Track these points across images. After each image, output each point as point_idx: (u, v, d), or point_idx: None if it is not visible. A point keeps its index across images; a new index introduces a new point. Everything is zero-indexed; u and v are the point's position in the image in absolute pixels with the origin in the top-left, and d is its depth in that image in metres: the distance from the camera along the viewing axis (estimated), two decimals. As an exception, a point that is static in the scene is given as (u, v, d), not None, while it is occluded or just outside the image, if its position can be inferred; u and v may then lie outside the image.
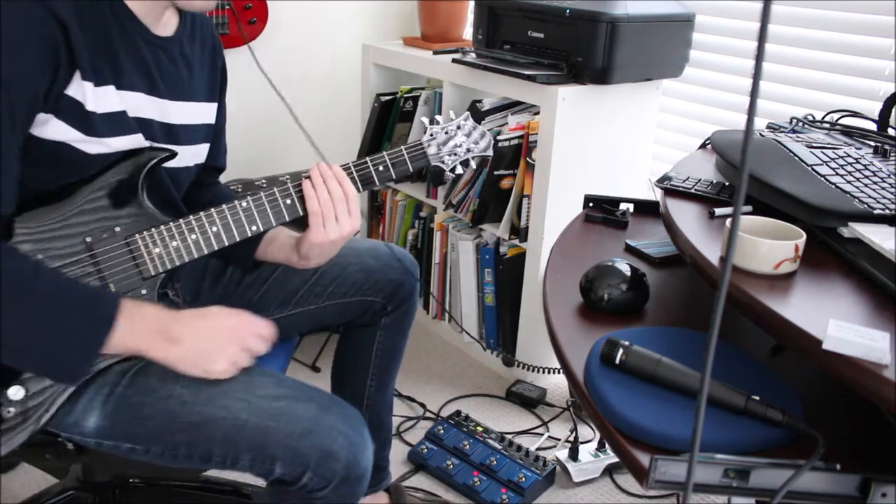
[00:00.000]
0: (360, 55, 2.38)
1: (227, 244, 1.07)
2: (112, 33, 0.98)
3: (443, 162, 1.22)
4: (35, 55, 0.89)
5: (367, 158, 1.14)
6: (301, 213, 1.10)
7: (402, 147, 1.17)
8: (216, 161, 1.28)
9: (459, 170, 1.24)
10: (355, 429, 1.04)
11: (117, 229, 1.01)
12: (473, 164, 1.26)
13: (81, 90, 0.95)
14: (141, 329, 0.95)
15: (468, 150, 1.23)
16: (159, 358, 0.96)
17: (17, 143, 0.91)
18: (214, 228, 1.05)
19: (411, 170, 1.18)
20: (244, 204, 1.07)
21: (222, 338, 1.00)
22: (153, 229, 1.03)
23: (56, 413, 0.98)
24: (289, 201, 1.09)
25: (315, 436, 1.00)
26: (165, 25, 1.07)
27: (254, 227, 1.08)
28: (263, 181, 2.13)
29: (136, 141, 1.03)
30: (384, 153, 1.16)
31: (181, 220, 1.04)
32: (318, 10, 2.48)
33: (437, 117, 1.23)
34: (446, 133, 1.21)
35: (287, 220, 1.11)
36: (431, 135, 1.20)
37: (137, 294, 1.02)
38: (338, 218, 1.09)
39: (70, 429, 1.01)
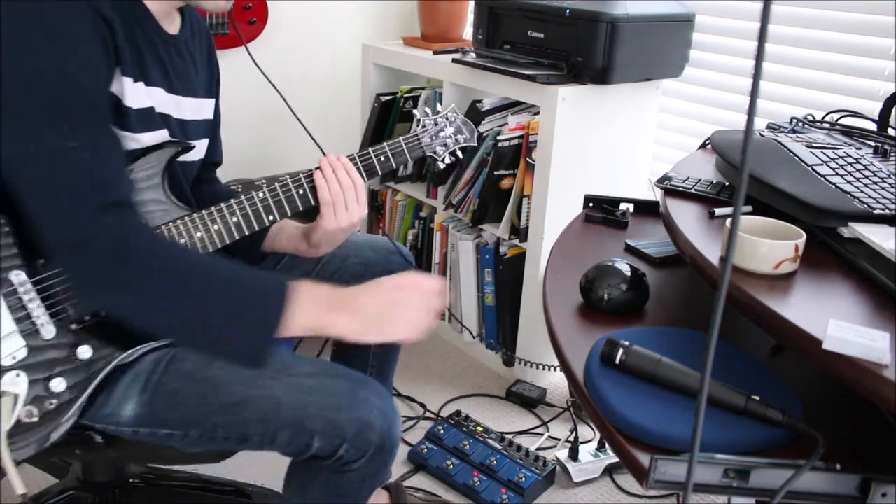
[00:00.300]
0: (360, 55, 2.38)
1: (246, 233, 1.10)
2: (136, 31, 1.01)
3: (435, 153, 1.29)
4: (96, 50, 0.92)
5: (370, 149, 1.21)
6: (313, 203, 1.15)
7: (401, 138, 1.24)
8: (215, 156, 1.31)
9: (448, 160, 1.30)
10: (386, 401, 1.08)
11: (143, 221, 1.03)
12: (461, 155, 1.33)
13: (121, 86, 0.98)
14: (318, 308, 0.95)
15: (456, 142, 1.30)
16: (344, 331, 0.96)
17: (110, 134, 0.94)
18: (235, 219, 1.09)
19: (409, 159, 1.25)
20: (261, 195, 1.11)
21: (399, 301, 0.99)
22: (178, 220, 1.05)
23: (91, 404, 1.00)
24: (301, 191, 1.14)
25: (351, 408, 1.03)
26: (172, 24, 1.10)
27: (271, 217, 1.12)
28: (263, 181, 2.13)
29: (162, 136, 1.06)
30: (385, 144, 1.23)
31: (203, 212, 1.07)
32: (318, 10, 2.48)
33: (426, 109, 1.29)
34: (436, 124, 1.29)
35: (300, 209, 1.15)
36: (424, 126, 1.28)
37: None
38: (347, 206, 1.15)
39: (105, 420, 1.03)
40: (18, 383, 0.92)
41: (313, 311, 0.95)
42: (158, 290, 0.90)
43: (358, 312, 0.97)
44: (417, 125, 1.28)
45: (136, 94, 1.01)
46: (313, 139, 1.33)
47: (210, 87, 1.23)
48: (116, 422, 1.03)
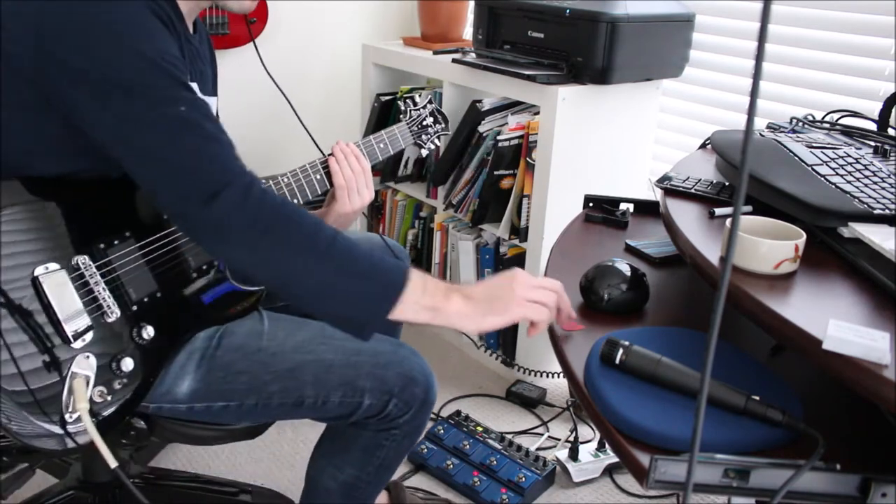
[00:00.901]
0: (360, 55, 2.38)
1: None
2: (182, 34, 1.05)
3: (422, 139, 1.42)
4: (171, 41, 0.97)
5: (371, 136, 1.31)
6: (328, 187, 1.23)
7: (394, 126, 1.36)
8: None
9: (431, 146, 1.43)
10: (421, 359, 1.16)
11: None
12: (439, 143, 1.45)
13: None
14: (436, 290, 0.97)
15: (436, 131, 1.43)
16: (455, 313, 0.96)
17: (200, 99, 0.96)
18: None
19: (403, 146, 1.37)
20: (285, 179, 1.19)
21: (504, 285, 0.98)
22: None
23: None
24: (318, 176, 1.22)
25: (397, 364, 1.11)
26: (190, 25, 1.13)
27: (296, 200, 1.19)
28: (264, 180, 2.13)
29: None
30: (382, 132, 1.34)
31: None
32: (318, 10, 2.48)
33: (408, 101, 1.41)
34: (419, 114, 1.40)
35: (319, 192, 1.23)
36: (410, 116, 1.39)
37: (212, 266, 1.09)
38: (358, 190, 1.23)
39: (161, 398, 1.06)
40: (88, 365, 0.95)
41: (430, 292, 0.96)
42: (287, 241, 0.92)
43: (469, 298, 0.97)
44: (405, 115, 1.39)
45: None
46: (313, 139, 1.34)
47: (214, 85, 1.27)
48: (173, 399, 1.06)
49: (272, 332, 1.12)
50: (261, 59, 1.31)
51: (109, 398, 0.97)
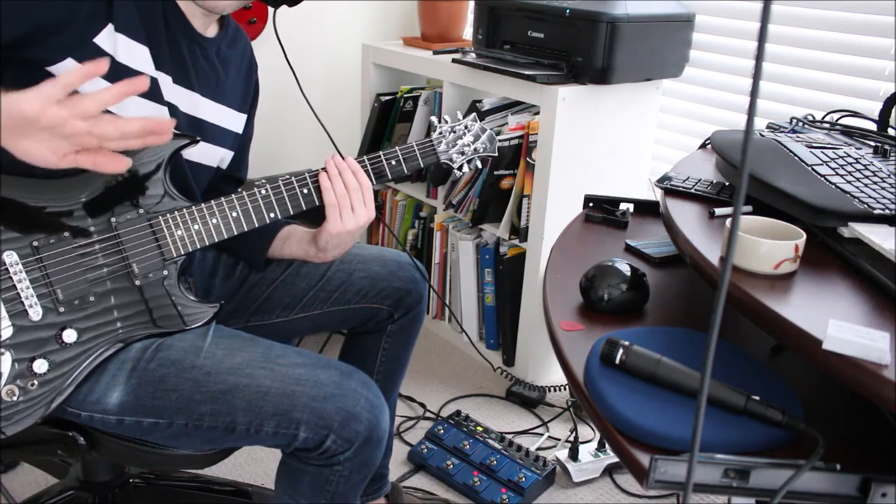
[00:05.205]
0: (360, 55, 2.38)
1: (245, 229, 1.09)
2: (157, 18, 1.03)
3: (451, 160, 1.25)
4: None
5: (381, 153, 1.17)
6: (317, 203, 1.14)
7: (414, 143, 1.20)
8: (238, 172, 1.31)
9: (466, 168, 1.27)
10: (374, 393, 1.08)
11: (140, 211, 1.03)
12: (479, 164, 1.29)
13: (114, 42, 0.99)
14: None
15: (475, 151, 1.27)
16: None
17: None
18: (234, 213, 1.08)
19: (422, 165, 1.22)
20: (263, 192, 1.10)
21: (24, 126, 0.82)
22: (175, 212, 1.05)
23: (77, 390, 1.00)
24: (305, 191, 1.12)
25: (338, 398, 1.03)
26: (207, 27, 1.12)
27: (272, 215, 1.11)
28: (263, 181, 2.13)
29: (161, 113, 1.06)
30: (396, 148, 1.18)
31: (202, 205, 1.07)
32: (318, 10, 2.48)
33: (446, 117, 1.26)
34: (454, 132, 1.25)
35: (304, 208, 1.13)
36: (441, 133, 1.24)
37: (160, 276, 1.04)
38: (353, 208, 1.13)
39: (92, 407, 1.03)
40: (1, 362, 0.94)
41: None
42: None
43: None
44: (433, 132, 1.23)
45: (133, 52, 1.01)
46: (332, 140, 1.32)
47: (244, 101, 1.23)
48: (103, 409, 1.03)
49: (211, 349, 1.06)
50: (284, 52, 1.31)
51: (16, 398, 0.95)
